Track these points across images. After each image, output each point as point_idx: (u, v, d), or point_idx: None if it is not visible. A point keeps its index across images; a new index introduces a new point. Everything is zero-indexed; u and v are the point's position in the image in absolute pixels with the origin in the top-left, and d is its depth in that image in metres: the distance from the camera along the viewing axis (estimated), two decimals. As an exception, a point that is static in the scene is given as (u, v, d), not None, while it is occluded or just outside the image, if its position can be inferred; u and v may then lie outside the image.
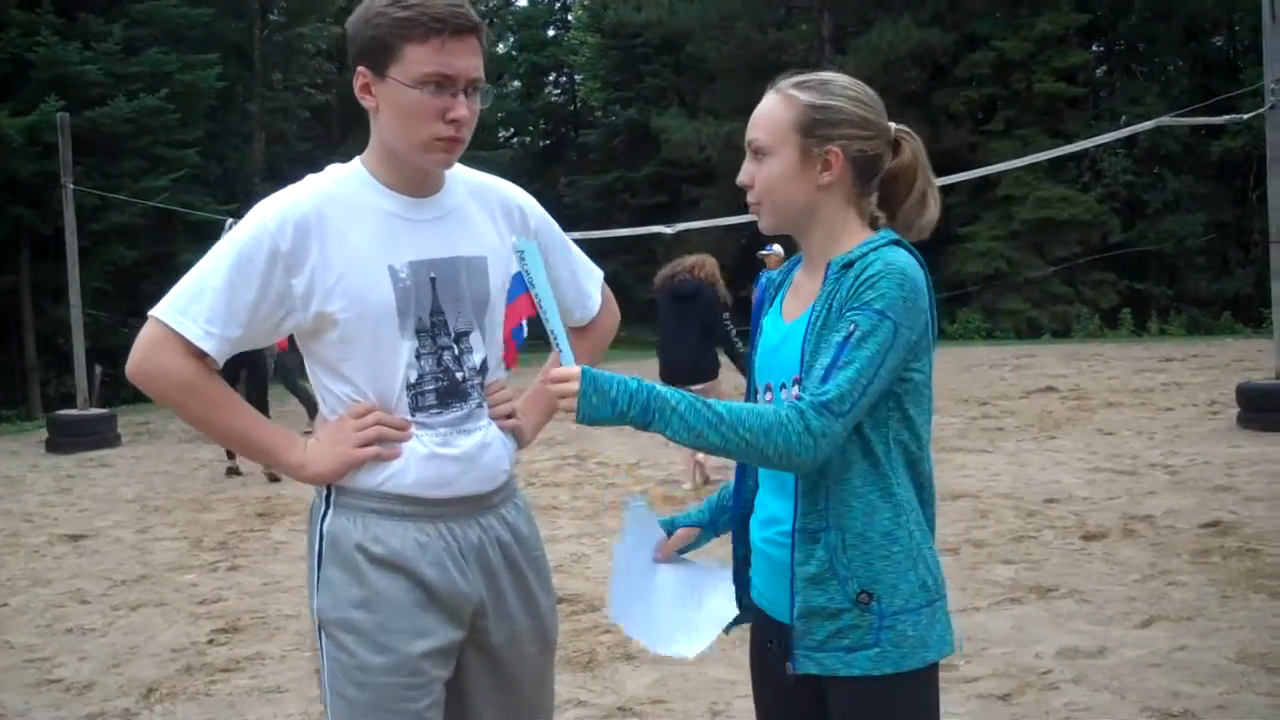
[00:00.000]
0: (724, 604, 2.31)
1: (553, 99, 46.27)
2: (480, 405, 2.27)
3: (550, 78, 46.57)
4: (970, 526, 7.34)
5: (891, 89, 26.52)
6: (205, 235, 21.51)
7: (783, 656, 2.12)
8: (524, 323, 2.47)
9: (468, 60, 2.12)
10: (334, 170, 2.26)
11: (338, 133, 33.05)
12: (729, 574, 2.31)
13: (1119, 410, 12.56)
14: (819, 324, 2.03)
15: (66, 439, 13.78)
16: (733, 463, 2.21)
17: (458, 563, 2.21)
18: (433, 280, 2.20)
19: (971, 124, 29.89)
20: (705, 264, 9.25)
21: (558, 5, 46.64)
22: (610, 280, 2.71)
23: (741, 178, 2.14)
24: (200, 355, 2.14)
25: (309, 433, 2.43)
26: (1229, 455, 9.32)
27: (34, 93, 21.12)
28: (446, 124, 2.12)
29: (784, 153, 2.10)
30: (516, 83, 44.56)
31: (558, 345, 2.04)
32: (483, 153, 32.53)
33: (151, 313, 2.17)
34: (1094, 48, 31.77)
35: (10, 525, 9.23)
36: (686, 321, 9.07)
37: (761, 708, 2.31)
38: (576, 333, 2.49)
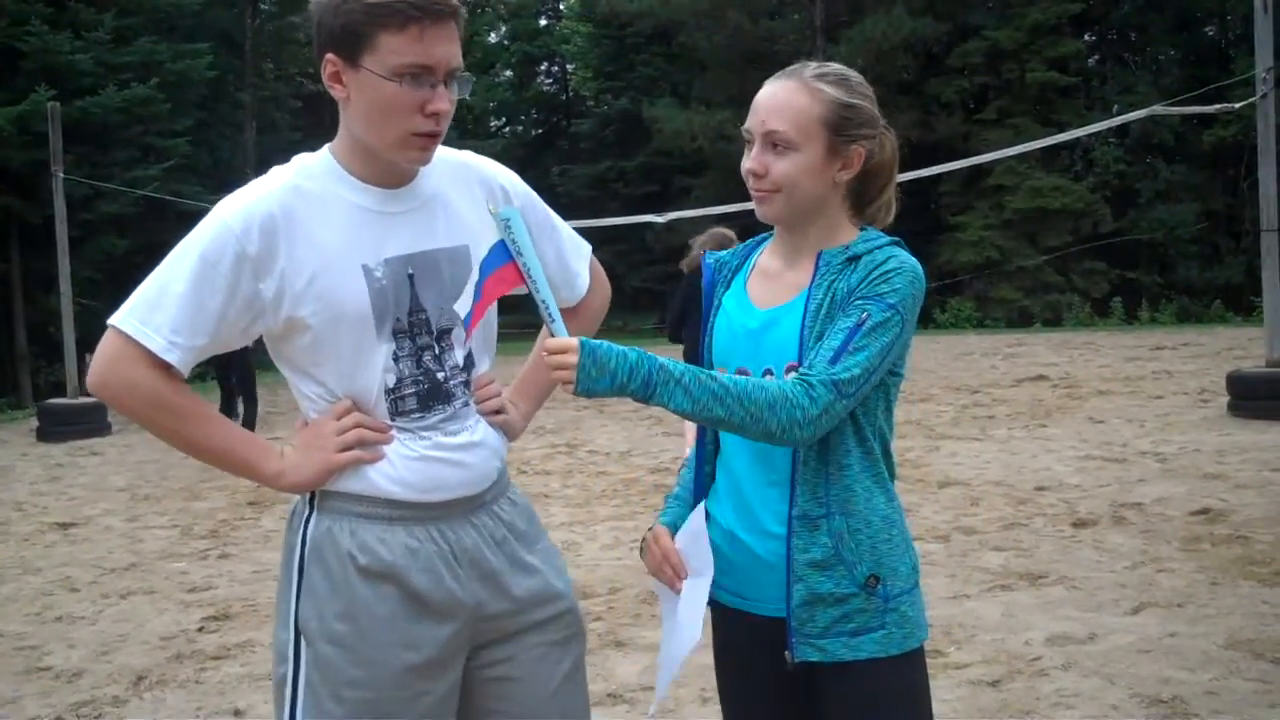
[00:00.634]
0: (688, 630, 2.16)
1: (545, 88, 46.27)
2: (466, 404, 2.13)
3: (542, 67, 46.57)
4: (961, 514, 7.35)
5: (884, 78, 26.57)
6: (196, 225, 21.50)
7: (775, 649, 2.09)
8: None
9: (447, 48, 1.96)
10: (301, 161, 2.11)
11: (329, 122, 32.72)
12: (698, 584, 2.18)
13: (1110, 398, 12.58)
14: (821, 312, 2.04)
15: (57, 428, 13.77)
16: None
17: (451, 567, 2.08)
18: (411, 277, 2.06)
19: (964, 113, 29.95)
20: (733, 240, 9.24)
21: (550, -6, 46.65)
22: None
23: (753, 165, 2.08)
24: (165, 366, 2.00)
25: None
26: (1219, 443, 9.34)
27: (24, 82, 21.10)
28: (425, 118, 1.97)
29: (811, 148, 2.06)
30: (509, 72, 44.55)
31: (550, 316, 1.97)
32: (475, 142, 32.53)
33: (110, 321, 2.01)
34: (1086, 37, 31.82)
35: (0, 514, 9.22)
36: None
37: (737, 706, 2.26)
38: (565, 313, 2.24)
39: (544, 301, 1.98)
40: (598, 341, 1.90)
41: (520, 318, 13.31)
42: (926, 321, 24.32)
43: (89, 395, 14.93)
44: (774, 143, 2.07)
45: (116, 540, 8.02)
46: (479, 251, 2.12)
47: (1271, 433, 9.53)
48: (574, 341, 1.89)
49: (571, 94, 44.52)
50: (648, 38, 36.12)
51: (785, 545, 2.07)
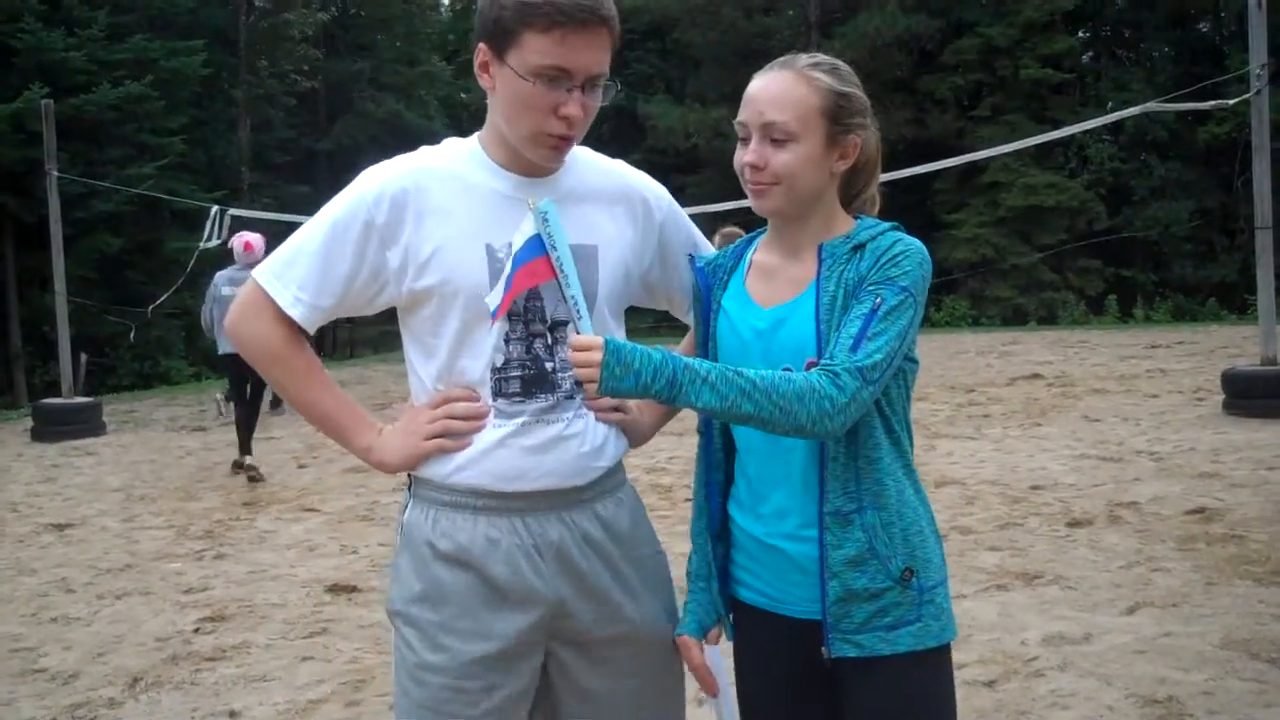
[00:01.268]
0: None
1: (539, 85, 46.20)
2: (571, 398, 2.13)
3: (537, 64, 46.49)
4: (957, 513, 7.36)
5: (878, 75, 26.60)
6: (191, 223, 21.47)
7: (801, 648, 2.09)
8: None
9: (591, 55, 2.00)
10: (450, 144, 2.20)
11: (324, 119, 32.91)
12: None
13: (1105, 397, 12.59)
14: (836, 304, 2.02)
15: (52, 428, 13.70)
16: None
17: (532, 560, 2.11)
18: None
19: (958, 110, 29.94)
20: None
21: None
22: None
23: (752, 158, 2.07)
24: (290, 323, 2.12)
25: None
26: (1214, 442, 9.35)
27: (18, 80, 21.07)
28: (558, 120, 2.02)
29: (810, 139, 2.05)
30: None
31: (578, 313, 1.98)
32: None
33: (253, 272, 2.17)
34: (1080, 34, 31.85)
35: (-5, 514, 9.19)
36: None
37: (760, 706, 2.23)
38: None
39: (573, 298, 2.00)
40: (622, 340, 1.88)
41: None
42: (921, 319, 24.36)
43: (84, 395, 15.00)
44: (773, 135, 2.05)
45: (112, 541, 8.01)
46: (606, 256, 2.17)
47: (1266, 431, 9.54)
48: (599, 340, 1.86)
49: (566, 91, 44.49)
50: (642, 34, 35.97)
51: (817, 545, 2.05)
